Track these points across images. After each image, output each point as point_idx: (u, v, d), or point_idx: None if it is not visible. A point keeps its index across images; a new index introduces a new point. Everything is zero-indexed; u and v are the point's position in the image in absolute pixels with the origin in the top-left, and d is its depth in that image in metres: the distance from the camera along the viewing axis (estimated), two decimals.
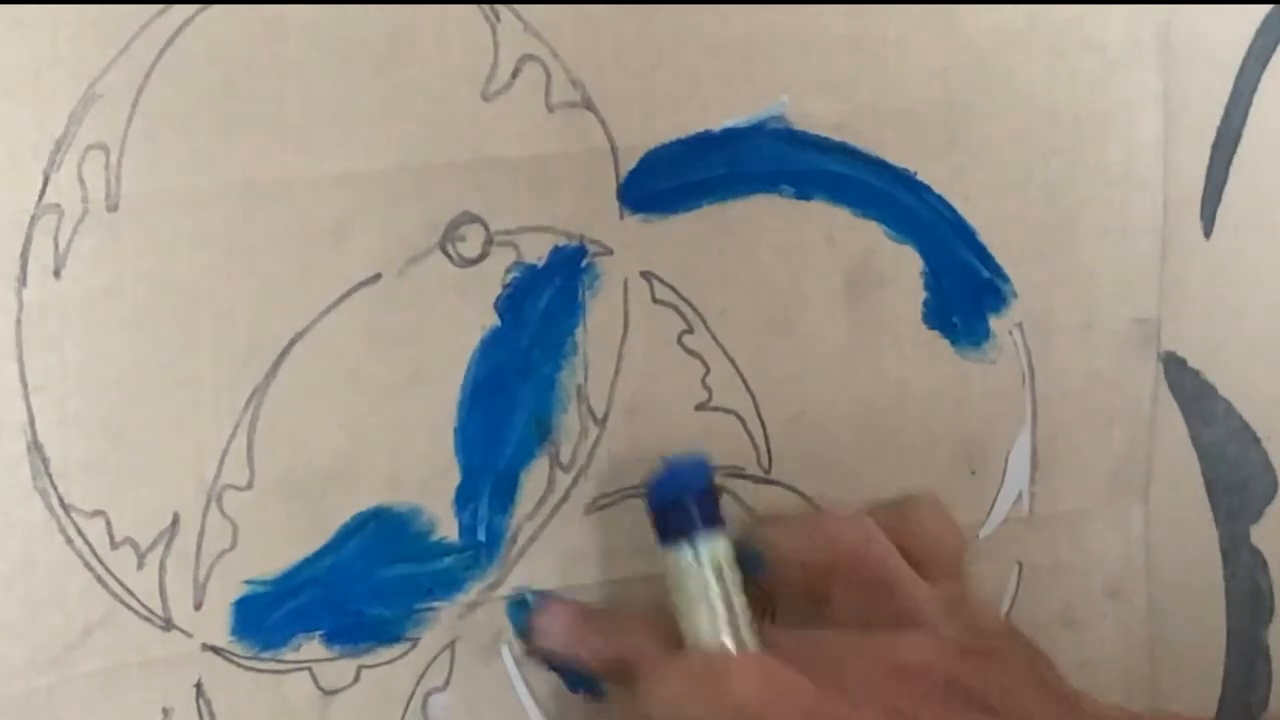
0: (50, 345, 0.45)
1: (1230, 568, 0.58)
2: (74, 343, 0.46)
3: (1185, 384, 0.57)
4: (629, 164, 0.51)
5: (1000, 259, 0.55)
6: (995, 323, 0.55)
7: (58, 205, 0.45)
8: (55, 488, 0.46)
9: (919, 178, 0.53)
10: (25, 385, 0.45)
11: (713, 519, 0.49)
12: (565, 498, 0.52)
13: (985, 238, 0.54)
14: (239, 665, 0.49)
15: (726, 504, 0.52)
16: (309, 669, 0.50)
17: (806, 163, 0.52)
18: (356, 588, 0.50)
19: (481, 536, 0.51)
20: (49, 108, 0.45)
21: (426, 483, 0.50)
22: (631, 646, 0.49)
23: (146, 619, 0.48)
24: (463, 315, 0.50)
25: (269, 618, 0.49)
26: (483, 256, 0.50)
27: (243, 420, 0.48)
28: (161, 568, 0.47)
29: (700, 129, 0.51)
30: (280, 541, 0.49)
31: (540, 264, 0.50)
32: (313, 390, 0.48)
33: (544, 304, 0.50)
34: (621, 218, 0.51)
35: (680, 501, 0.49)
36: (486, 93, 0.49)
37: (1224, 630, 0.58)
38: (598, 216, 0.51)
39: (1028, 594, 0.57)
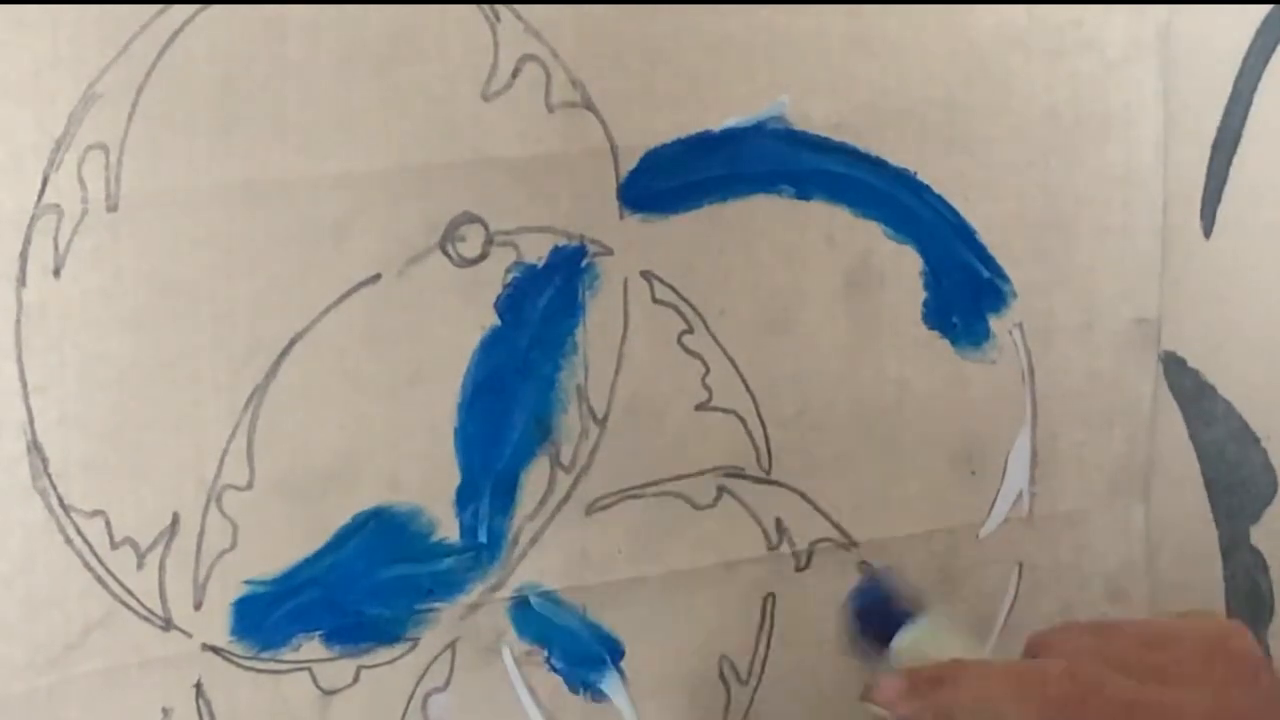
0: (50, 345, 0.45)
1: (1230, 568, 0.58)
2: (74, 343, 0.46)
3: (1185, 384, 0.57)
4: (629, 164, 0.51)
5: (1000, 259, 0.55)
6: (995, 323, 0.55)
7: (57, 205, 0.45)
8: (55, 488, 0.46)
9: (919, 178, 0.53)
10: (25, 385, 0.45)
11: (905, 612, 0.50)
12: (566, 498, 0.52)
13: (985, 238, 0.54)
14: (239, 665, 0.49)
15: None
16: (309, 669, 0.50)
17: (806, 163, 0.52)
18: (356, 588, 0.50)
19: (482, 537, 0.51)
20: (49, 108, 0.45)
21: (426, 483, 0.50)
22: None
23: (146, 619, 0.48)
24: (463, 315, 0.50)
25: (269, 618, 0.49)
26: (483, 256, 0.50)
27: (243, 420, 0.48)
28: (161, 568, 0.48)
29: (700, 129, 0.51)
30: (280, 541, 0.49)
31: (540, 264, 0.50)
32: (313, 390, 0.48)
33: (544, 304, 0.50)
34: (621, 218, 0.51)
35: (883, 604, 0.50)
36: (486, 93, 0.49)
37: None
38: (598, 216, 0.51)
39: (1028, 594, 0.57)
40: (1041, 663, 0.47)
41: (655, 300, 0.52)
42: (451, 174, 0.49)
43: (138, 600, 0.47)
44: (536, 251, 0.50)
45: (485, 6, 0.49)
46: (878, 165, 0.53)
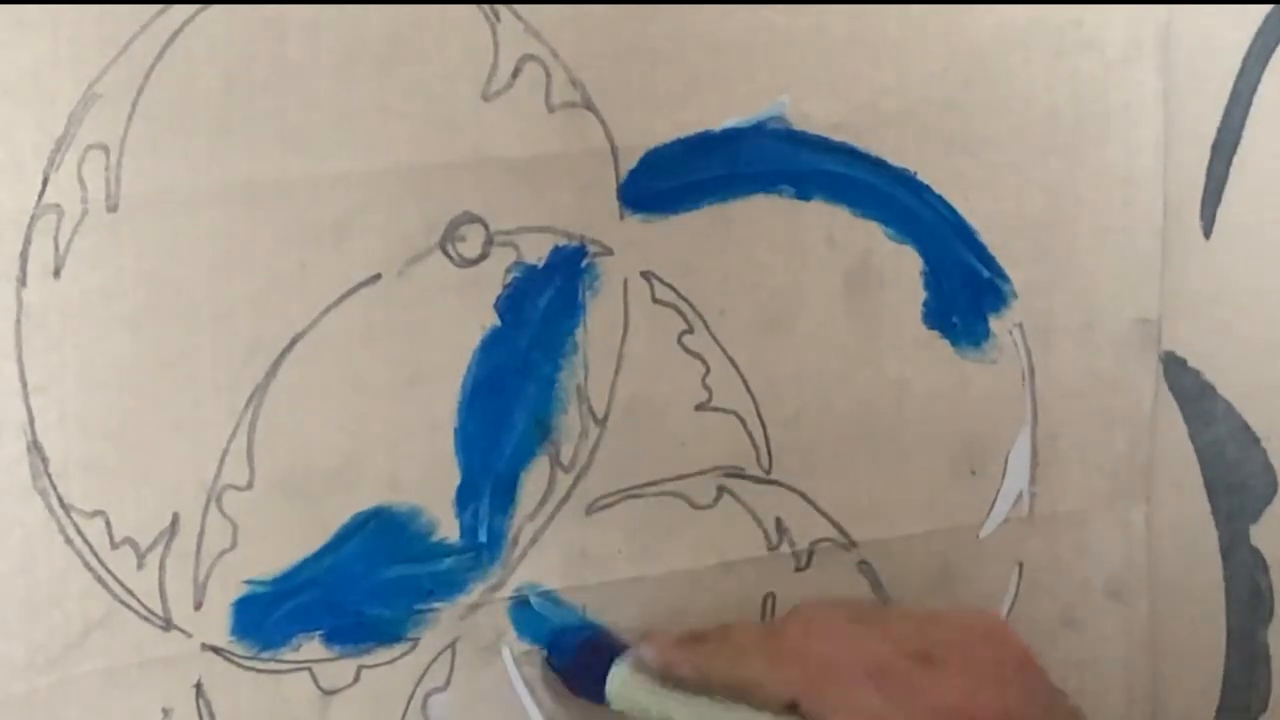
0: (50, 345, 0.45)
1: (1230, 568, 0.58)
2: (74, 343, 0.46)
3: (1185, 384, 0.57)
4: (629, 164, 0.51)
5: (1000, 259, 0.55)
6: (995, 323, 0.55)
7: (57, 205, 0.45)
8: (55, 488, 0.46)
9: (919, 178, 0.53)
10: (25, 385, 0.45)
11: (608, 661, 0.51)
12: (566, 498, 0.52)
13: (985, 238, 0.54)
14: (239, 665, 0.49)
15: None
16: (309, 669, 0.50)
17: (806, 163, 0.52)
18: (356, 588, 0.50)
19: (483, 537, 0.51)
20: (49, 108, 0.45)
21: (426, 483, 0.50)
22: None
23: (146, 619, 0.48)
24: (463, 315, 0.50)
25: (269, 618, 0.49)
26: (483, 256, 0.50)
27: (243, 420, 0.48)
28: (161, 568, 0.47)
29: (700, 129, 0.51)
30: (280, 541, 0.49)
31: (540, 264, 0.50)
32: (313, 390, 0.48)
33: (544, 304, 0.50)
34: (621, 218, 0.51)
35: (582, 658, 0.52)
36: (486, 93, 0.49)
37: (1224, 630, 0.58)
38: (598, 216, 0.51)
39: (1028, 594, 0.57)
40: (793, 620, 0.48)
41: (655, 300, 0.52)
42: (451, 174, 0.49)
43: (138, 600, 0.47)
44: (536, 251, 0.50)
45: (485, 6, 0.49)
46: (878, 165, 0.53)
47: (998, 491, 0.56)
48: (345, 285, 0.48)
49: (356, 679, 0.50)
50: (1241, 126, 0.56)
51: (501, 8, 0.49)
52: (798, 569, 0.54)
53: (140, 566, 0.47)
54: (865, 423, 0.54)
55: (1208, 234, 0.56)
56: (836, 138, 0.53)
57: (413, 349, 0.49)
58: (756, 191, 0.52)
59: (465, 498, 0.50)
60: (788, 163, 0.52)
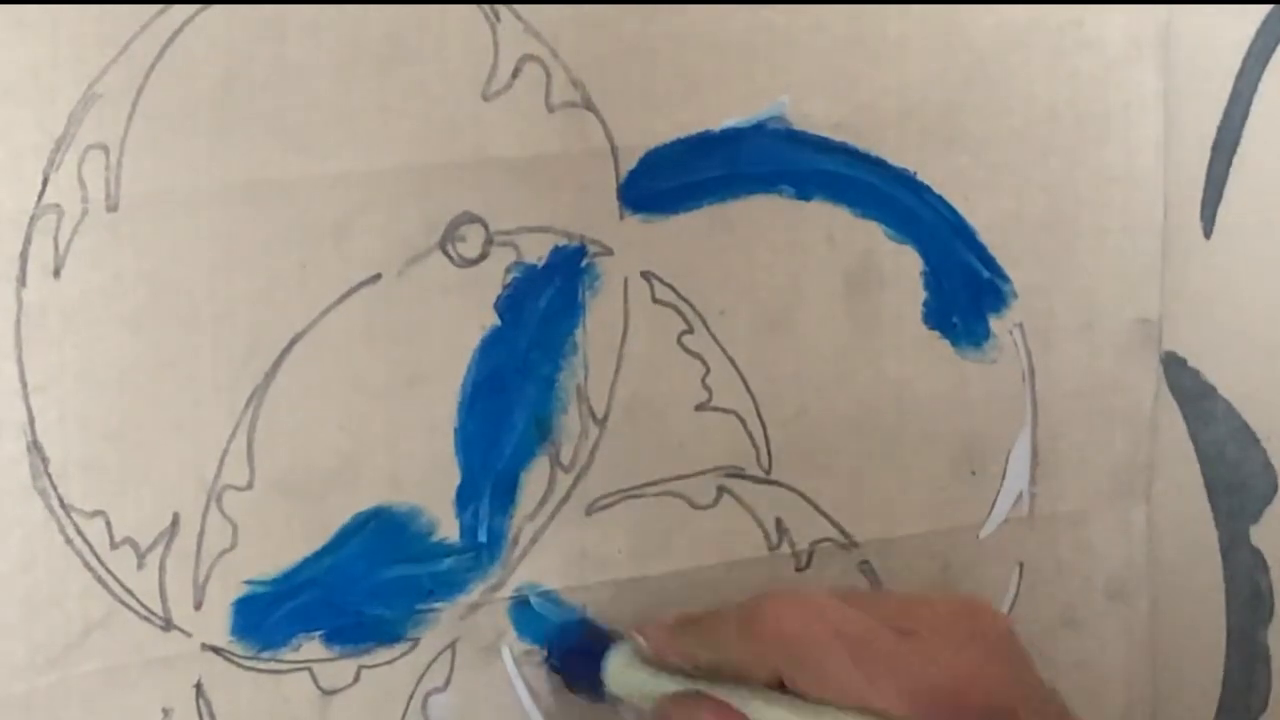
0: (50, 345, 0.45)
1: (1230, 568, 0.58)
2: (74, 343, 0.46)
3: (1185, 384, 0.57)
4: (629, 164, 0.51)
5: (1000, 259, 0.55)
6: (995, 323, 0.55)
7: (57, 205, 0.45)
8: (55, 488, 0.46)
9: (919, 178, 0.53)
10: (25, 385, 0.45)
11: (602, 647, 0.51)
12: (566, 498, 0.52)
13: (985, 238, 0.54)
14: (239, 665, 0.49)
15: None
16: (309, 669, 0.50)
17: (806, 163, 0.52)
18: (357, 588, 0.50)
19: (483, 537, 0.51)
20: (49, 108, 0.45)
21: (426, 483, 0.50)
22: None
23: (146, 619, 0.48)
24: (463, 315, 0.50)
25: (269, 618, 0.49)
26: (483, 256, 0.50)
27: (243, 420, 0.48)
28: (161, 568, 0.47)
29: (700, 129, 0.51)
30: (280, 541, 0.49)
31: (540, 264, 0.50)
32: (313, 390, 0.48)
33: (544, 304, 0.50)
34: (621, 218, 0.51)
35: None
36: (486, 93, 0.49)
37: (1224, 630, 0.58)
38: (598, 216, 0.51)
39: (1029, 594, 0.57)
40: (771, 598, 0.48)
41: (655, 300, 0.52)
42: (451, 174, 0.49)
43: (138, 600, 0.47)
44: (536, 251, 0.50)
45: (485, 6, 0.48)
46: (878, 165, 0.53)
47: (998, 491, 0.56)
48: (345, 285, 0.48)
49: (356, 679, 0.50)
50: (1241, 126, 0.56)
51: (501, 8, 0.49)
52: (798, 569, 0.54)
53: (140, 566, 0.47)
54: (865, 423, 0.54)
55: (1208, 234, 0.56)
56: (836, 138, 0.53)
57: (413, 349, 0.49)
58: (756, 191, 0.52)
59: (465, 498, 0.50)
60: (788, 163, 0.52)
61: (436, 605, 0.51)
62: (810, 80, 0.52)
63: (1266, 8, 0.55)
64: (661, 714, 0.49)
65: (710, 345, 0.52)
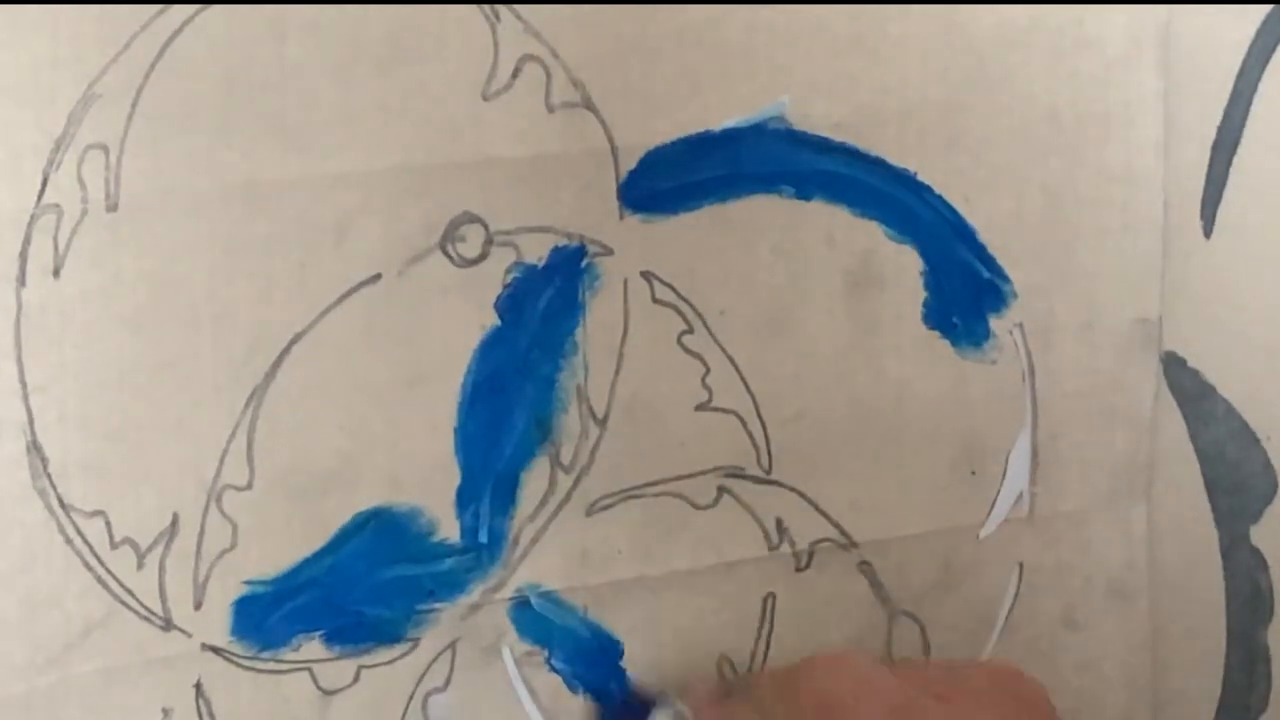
0: (50, 345, 0.45)
1: (1230, 568, 0.58)
2: (74, 343, 0.46)
3: (1185, 384, 0.57)
4: (629, 164, 0.51)
5: (1000, 259, 0.55)
6: (995, 323, 0.55)
7: (57, 205, 0.45)
8: (55, 488, 0.46)
9: (919, 178, 0.53)
10: (25, 385, 0.45)
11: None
12: (567, 498, 0.52)
13: (985, 238, 0.54)
14: (239, 665, 0.49)
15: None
16: (309, 669, 0.50)
17: (806, 163, 0.52)
18: (357, 588, 0.50)
19: (483, 538, 0.51)
20: (49, 108, 0.45)
21: (427, 483, 0.50)
22: None
23: (146, 619, 0.48)
24: (463, 315, 0.50)
25: (269, 618, 0.49)
26: (483, 256, 0.50)
27: (243, 420, 0.48)
28: (161, 568, 0.48)
29: (700, 129, 0.51)
30: (280, 541, 0.49)
31: (540, 264, 0.50)
32: (313, 390, 0.48)
33: (544, 304, 0.50)
34: (621, 218, 0.51)
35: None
36: (486, 93, 0.49)
37: (1224, 630, 0.58)
38: (598, 216, 0.51)
39: (1029, 594, 0.57)
40: (811, 664, 0.48)
41: (655, 300, 0.52)
42: (451, 174, 0.49)
43: (138, 600, 0.47)
44: (536, 251, 0.50)
45: (485, 6, 0.49)
46: (878, 165, 0.53)
47: (998, 492, 0.56)
48: (345, 285, 0.48)
49: (356, 679, 0.50)
50: (1241, 126, 0.56)
51: (501, 8, 0.49)
52: (798, 569, 0.54)
53: (140, 566, 0.47)
54: (865, 423, 0.54)
55: (1208, 234, 0.56)
56: (836, 138, 0.53)
57: (413, 349, 0.49)
58: (756, 191, 0.52)
59: (465, 498, 0.50)
60: (788, 163, 0.52)
61: (437, 605, 0.51)
62: (810, 80, 0.52)
63: (1266, 8, 0.55)
64: None
65: (710, 345, 0.52)
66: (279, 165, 0.47)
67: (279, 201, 0.47)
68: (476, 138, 0.49)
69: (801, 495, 0.54)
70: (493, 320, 0.50)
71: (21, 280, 0.45)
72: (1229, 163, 0.56)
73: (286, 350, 0.48)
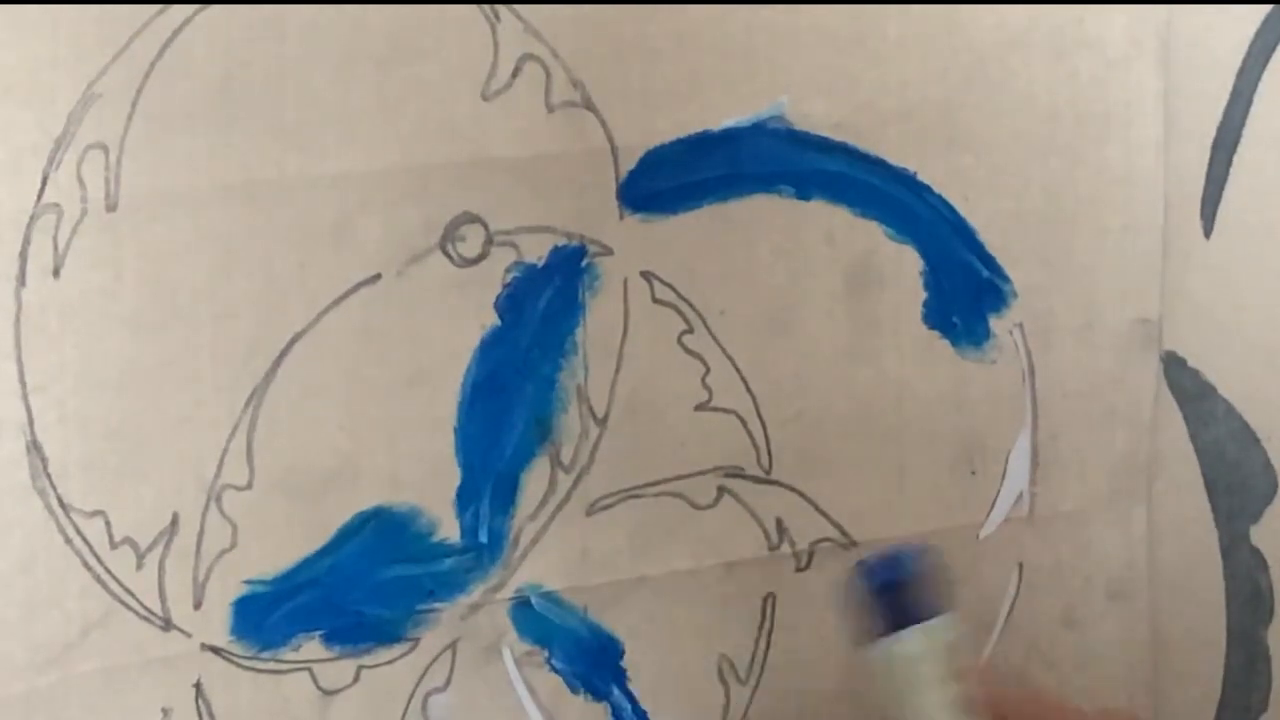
0: (50, 345, 0.45)
1: (1230, 568, 0.58)
2: (73, 343, 0.46)
3: (1185, 384, 0.57)
4: (629, 164, 0.51)
5: (1000, 259, 0.55)
6: (995, 323, 0.55)
7: (57, 205, 0.45)
8: (54, 487, 0.46)
9: (919, 178, 0.53)
10: (24, 385, 0.45)
11: (938, 602, 0.46)
12: (567, 498, 0.52)
13: (985, 238, 0.54)
14: (239, 665, 0.49)
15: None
16: (309, 669, 0.50)
17: (806, 163, 0.52)
18: (357, 588, 0.50)
19: (483, 538, 0.51)
20: (49, 108, 0.45)
21: (427, 483, 0.50)
22: None
23: (146, 619, 0.48)
24: (463, 315, 0.50)
25: (269, 618, 0.49)
26: (483, 256, 0.50)
27: (243, 420, 0.48)
28: (161, 568, 0.48)
29: (700, 129, 0.51)
30: (280, 541, 0.49)
31: (540, 264, 0.50)
32: (313, 390, 0.48)
33: (544, 304, 0.50)
34: (621, 218, 0.51)
35: (906, 585, 0.46)
36: (486, 93, 0.49)
37: (1224, 630, 0.58)
38: (598, 216, 0.51)
39: (1029, 594, 0.57)
40: None
41: (655, 300, 0.52)
42: (451, 174, 0.49)
43: (137, 600, 0.47)
44: (536, 251, 0.50)
45: (485, 6, 0.49)
46: (878, 165, 0.53)
47: (998, 492, 0.56)
48: (345, 285, 0.48)
49: (356, 679, 0.50)
50: (1241, 126, 0.56)
51: (501, 8, 0.49)
52: (798, 569, 0.54)
53: (140, 566, 0.47)
54: (865, 423, 0.54)
55: (1208, 234, 0.56)
56: (836, 138, 0.53)
57: (413, 349, 0.49)
58: (756, 191, 0.52)
59: (465, 498, 0.50)
60: (788, 163, 0.52)
61: (437, 605, 0.51)
62: (810, 80, 0.52)
63: (1266, 8, 0.55)
64: None
65: (710, 345, 0.52)
66: (279, 165, 0.47)
67: (279, 201, 0.47)
68: (476, 138, 0.49)
69: (801, 495, 0.54)
70: (493, 320, 0.50)
71: (21, 280, 0.45)
72: (1229, 163, 0.56)
73: (286, 350, 0.48)
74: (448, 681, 0.51)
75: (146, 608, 0.48)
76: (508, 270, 0.50)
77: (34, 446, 0.46)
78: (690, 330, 0.52)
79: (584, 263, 0.51)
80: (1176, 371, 0.57)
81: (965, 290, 0.54)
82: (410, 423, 0.49)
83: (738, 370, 0.53)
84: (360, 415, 0.49)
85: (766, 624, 0.54)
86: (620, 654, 0.53)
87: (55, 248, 0.45)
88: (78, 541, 0.46)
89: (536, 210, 0.50)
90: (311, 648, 0.50)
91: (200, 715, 0.49)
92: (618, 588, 0.53)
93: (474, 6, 0.48)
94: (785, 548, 0.54)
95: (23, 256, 0.45)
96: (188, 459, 0.47)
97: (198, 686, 0.49)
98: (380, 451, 0.49)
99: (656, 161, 0.51)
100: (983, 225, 0.54)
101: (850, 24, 0.52)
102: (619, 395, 0.52)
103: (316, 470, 0.49)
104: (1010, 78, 0.54)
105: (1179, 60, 0.55)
